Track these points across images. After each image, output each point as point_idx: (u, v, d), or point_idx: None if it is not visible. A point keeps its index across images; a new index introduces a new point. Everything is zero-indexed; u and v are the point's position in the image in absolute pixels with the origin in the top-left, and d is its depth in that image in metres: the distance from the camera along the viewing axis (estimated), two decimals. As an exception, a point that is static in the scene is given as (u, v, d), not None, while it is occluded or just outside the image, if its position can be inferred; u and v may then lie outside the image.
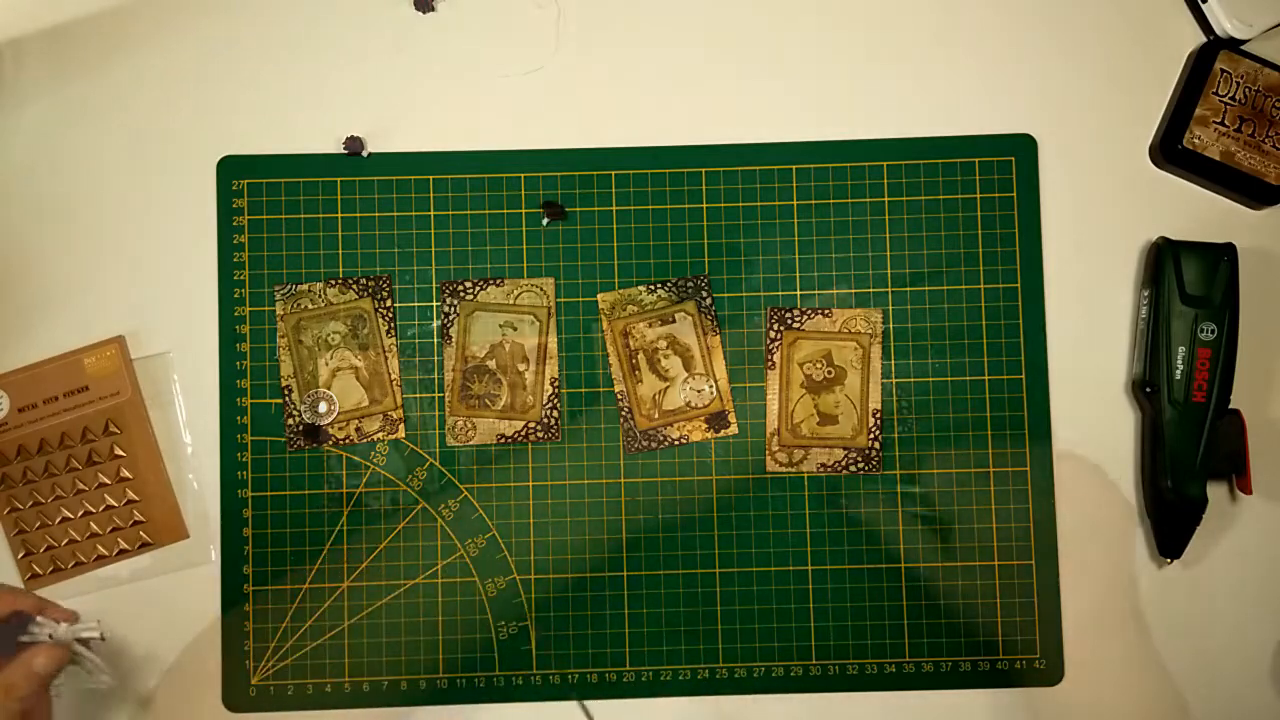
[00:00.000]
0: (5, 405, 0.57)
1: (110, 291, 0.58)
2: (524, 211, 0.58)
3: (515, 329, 0.57)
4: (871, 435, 0.57)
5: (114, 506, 0.57)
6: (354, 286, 0.57)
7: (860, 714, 0.57)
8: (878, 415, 0.58)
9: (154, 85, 0.59)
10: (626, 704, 0.57)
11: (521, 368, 0.57)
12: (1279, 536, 0.58)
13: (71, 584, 0.57)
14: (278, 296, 0.58)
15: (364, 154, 0.57)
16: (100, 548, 0.57)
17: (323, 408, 0.56)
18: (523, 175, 0.59)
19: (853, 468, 0.57)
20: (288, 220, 0.59)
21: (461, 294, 0.57)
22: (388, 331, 0.57)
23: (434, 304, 0.58)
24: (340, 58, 0.59)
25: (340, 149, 0.58)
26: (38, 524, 0.57)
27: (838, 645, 0.57)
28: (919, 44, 0.60)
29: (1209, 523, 0.56)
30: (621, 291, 0.58)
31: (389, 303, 0.58)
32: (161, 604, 0.57)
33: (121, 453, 0.57)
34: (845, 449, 0.57)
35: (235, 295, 0.58)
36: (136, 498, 0.57)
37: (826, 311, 0.58)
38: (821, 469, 0.57)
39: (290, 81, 0.59)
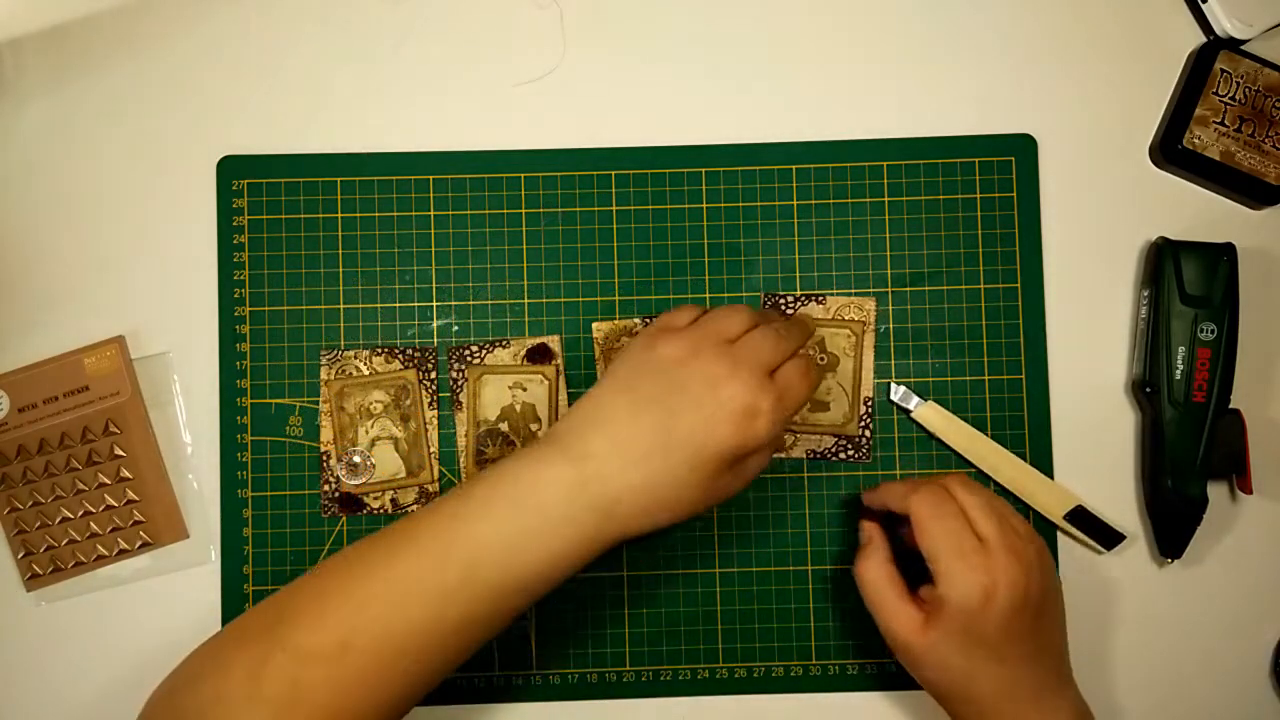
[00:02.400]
0: (5, 405, 0.57)
1: (110, 291, 0.58)
2: (524, 211, 0.58)
3: (525, 389, 0.57)
4: (862, 424, 0.57)
5: (114, 506, 0.57)
6: (399, 356, 0.57)
7: (860, 714, 0.57)
8: (869, 404, 0.57)
9: (154, 85, 0.59)
10: (626, 704, 0.57)
11: (534, 427, 0.57)
12: (1279, 536, 0.58)
13: (71, 584, 0.57)
14: (323, 361, 0.57)
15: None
16: (100, 548, 0.57)
17: (358, 459, 0.56)
18: (523, 175, 0.59)
19: (842, 455, 0.57)
20: (288, 220, 0.59)
21: (469, 359, 0.57)
22: (430, 404, 0.57)
23: (434, 304, 0.58)
24: (340, 58, 0.59)
25: (337, 150, 0.58)
26: (38, 524, 0.57)
27: (838, 645, 0.57)
28: (919, 44, 0.60)
29: (1209, 523, 0.56)
30: (616, 323, 0.58)
31: (433, 374, 0.57)
32: (161, 604, 0.57)
33: (121, 453, 0.57)
34: (835, 436, 0.57)
35: (235, 295, 0.58)
36: (136, 498, 0.57)
37: (820, 298, 0.58)
38: (810, 455, 0.57)
39: (290, 81, 0.59)
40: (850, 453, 0.57)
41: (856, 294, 0.58)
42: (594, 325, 0.58)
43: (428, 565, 0.45)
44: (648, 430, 0.46)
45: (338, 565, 0.47)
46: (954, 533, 0.48)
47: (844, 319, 0.58)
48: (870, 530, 0.53)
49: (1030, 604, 0.48)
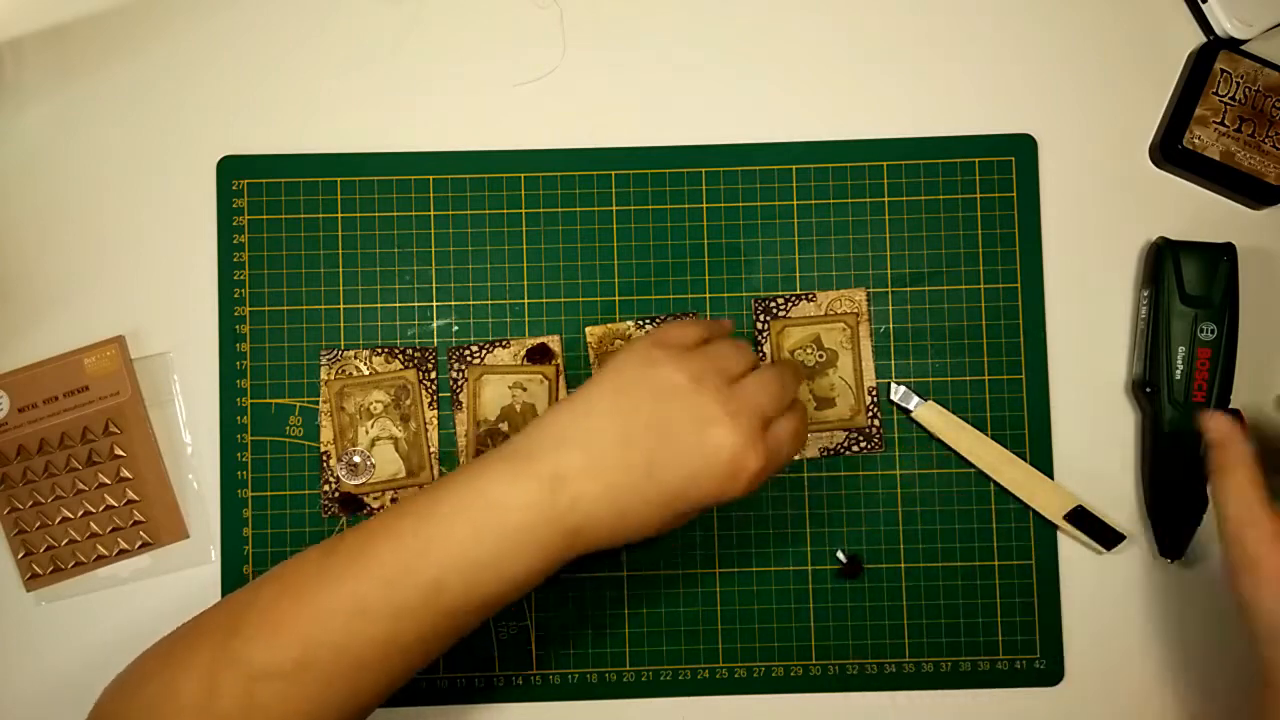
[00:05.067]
0: (5, 405, 0.57)
1: (110, 291, 0.58)
2: (524, 211, 0.58)
3: (525, 389, 0.57)
4: (870, 414, 0.57)
5: (114, 506, 0.57)
6: (399, 356, 0.57)
7: (860, 714, 0.57)
8: (874, 393, 0.57)
9: (154, 85, 0.59)
10: (626, 704, 0.57)
11: None
12: (1279, 536, 0.58)
13: (71, 584, 0.57)
14: (323, 361, 0.57)
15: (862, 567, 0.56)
16: (100, 548, 0.57)
17: (358, 459, 0.56)
18: (523, 175, 0.59)
19: (855, 448, 0.57)
20: (288, 220, 0.59)
21: (469, 359, 0.57)
22: (430, 404, 0.57)
23: (434, 304, 0.58)
24: (341, 58, 0.59)
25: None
26: (38, 524, 0.57)
27: (838, 645, 0.57)
28: (919, 44, 0.60)
29: (1209, 523, 0.56)
30: (610, 326, 0.58)
31: (433, 374, 0.57)
32: (161, 604, 0.57)
33: (121, 453, 0.57)
34: (846, 430, 0.57)
35: (235, 295, 0.58)
36: (136, 498, 0.57)
37: (810, 296, 0.58)
38: (824, 453, 0.57)
39: (290, 81, 0.59)
40: (863, 444, 0.57)
41: (844, 287, 0.58)
42: (587, 329, 0.58)
43: (388, 582, 0.44)
44: (629, 460, 0.44)
45: (295, 574, 0.45)
46: None
47: (837, 313, 0.58)
48: (1226, 432, 0.49)
49: None
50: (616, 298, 0.58)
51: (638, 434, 0.44)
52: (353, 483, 0.57)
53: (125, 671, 0.46)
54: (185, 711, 0.43)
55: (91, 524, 0.57)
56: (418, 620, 0.44)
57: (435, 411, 0.57)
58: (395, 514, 0.45)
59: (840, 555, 0.54)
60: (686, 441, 0.44)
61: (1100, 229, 0.59)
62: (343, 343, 0.58)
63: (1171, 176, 0.59)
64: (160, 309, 0.58)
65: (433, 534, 0.44)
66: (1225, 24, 0.58)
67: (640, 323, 0.58)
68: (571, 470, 0.44)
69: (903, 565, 0.57)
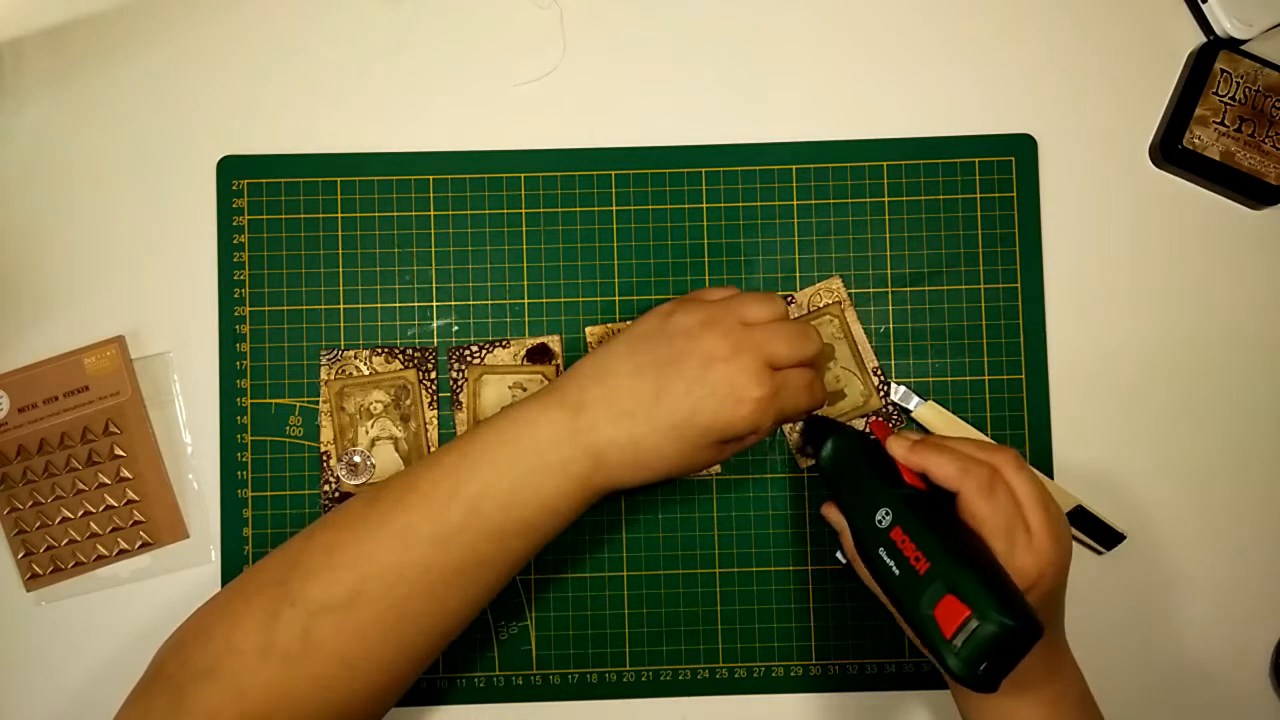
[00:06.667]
0: (5, 405, 0.57)
1: (110, 291, 0.58)
2: (524, 211, 0.58)
3: (525, 389, 0.57)
4: (882, 394, 0.57)
5: (114, 506, 0.57)
6: (399, 356, 0.57)
7: (860, 714, 0.57)
8: (879, 373, 0.57)
9: (154, 85, 0.59)
10: (626, 704, 0.57)
11: None
12: (1279, 535, 0.58)
13: (71, 584, 0.57)
14: (323, 361, 0.58)
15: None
16: (100, 548, 0.57)
17: (358, 459, 0.56)
18: (523, 175, 0.59)
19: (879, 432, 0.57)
20: (288, 220, 0.59)
21: (469, 359, 0.57)
22: (430, 404, 0.57)
23: (434, 304, 0.58)
24: (341, 58, 0.59)
25: (333, 151, 0.58)
26: (38, 524, 0.57)
27: (838, 645, 0.57)
28: (919, 44, 0.60)
29: (1208, 523, 0.56)
30: (610, 326, 0.58)
31: (433, 374, 0.57)
32: (161, 604, 0.57)
33: (121, 453, 0.57)
34: (863, 417, 0.57)
35: (235, 295, 0.58)
36: (136, 498, 0.57)
37: (789, 297, 0.58)
38: None
39: (290, 81, 0.59)
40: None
41: (818, 281, 0.58)
42: (587, 329, 0.58)
43: (433, 509, 0.47)
44: (638, 391, 0.47)
45: (344, 519, 0.48)
46: (1009, 517, 0.46)
47: (820, 307, 0.58)
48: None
49: (1062, 587, 0.48)
50: (616, 298, 0.58)
51: (647, 368, 0.48)
52: (353, 483, 0.57)
53: (180, 629, 0.47)
54: (248, 655, 0.45)
55: (91, 524, 0.57)
56: (462, 543, 0.46)
57: (435, 411, 0.57)
58: (437, 454, 0.49)
59: (840, 556, 0.54)
60: (690, 374, 0.47)
61: (1100, 229, 0.59)
62: (343, 343, 0.58)
63: (1171, 176, 0.59)
64: (160, 309, 0.58)
65: (472, 463, 0.47)
66: (1225, 24, 0.58)
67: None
68: (590, 399, 0.48)
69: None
